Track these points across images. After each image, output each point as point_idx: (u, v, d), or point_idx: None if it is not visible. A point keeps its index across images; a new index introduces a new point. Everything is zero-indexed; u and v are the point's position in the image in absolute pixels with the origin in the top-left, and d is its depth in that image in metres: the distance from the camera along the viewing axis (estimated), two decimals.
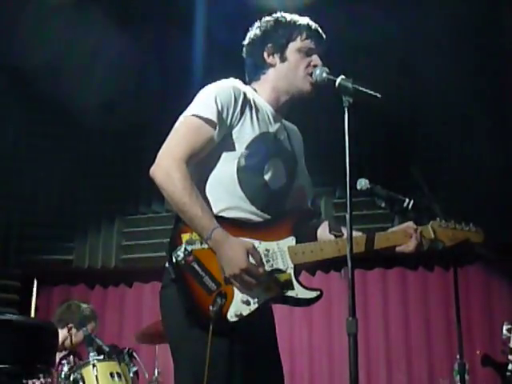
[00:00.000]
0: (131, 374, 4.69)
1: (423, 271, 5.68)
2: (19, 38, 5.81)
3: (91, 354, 4.65)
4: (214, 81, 2.71)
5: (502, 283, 5.59)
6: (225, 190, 2.61)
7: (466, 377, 4.17)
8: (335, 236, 2.73)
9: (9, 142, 6.58)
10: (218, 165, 2.63)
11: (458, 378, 4.40)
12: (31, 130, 6.67)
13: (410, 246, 2.71)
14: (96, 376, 4.49)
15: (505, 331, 3.91)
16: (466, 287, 5.44)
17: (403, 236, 2.72)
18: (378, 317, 5.79)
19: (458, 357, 3.97)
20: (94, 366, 4.54)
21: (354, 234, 2.47)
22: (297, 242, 2.61)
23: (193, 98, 2.67)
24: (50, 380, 4.80)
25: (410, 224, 2.75)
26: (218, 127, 2.58)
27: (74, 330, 5.18)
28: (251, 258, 2.45)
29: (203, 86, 2.69)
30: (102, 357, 4.66)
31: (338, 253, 2.63)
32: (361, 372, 2.36)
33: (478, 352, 5.21)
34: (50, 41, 5.80)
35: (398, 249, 2.72)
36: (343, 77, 2.58)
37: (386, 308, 5.82)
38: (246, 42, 2.85)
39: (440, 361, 5.54)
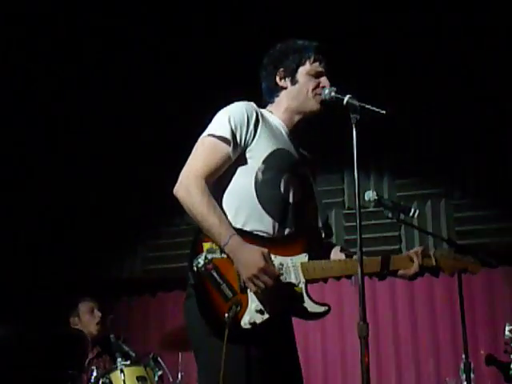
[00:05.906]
0: (156, 378, 4.70)
1: (429, 277, 5.60)
2: None
3: (118, 359, 4.65)
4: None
5: (503, 288, 5.53)
6: (242, 204, 2.60)
7: (472, 375, 4.13)
8: (346, 256, 2.76)
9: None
10: (234, 179, 2.64)
11: (464, 376, 4.34)
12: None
13: (410, 272, 2.74)
14: (123, 380, 4.51)
15: (507, 332, 3.86)
16: (470, 292, 5.37)
17: (407, 262, 2.74)
18: (387, 320, 5.73)
19: (463, 357, 3.93)
20: (121, 371, 4.55)
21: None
22: (309, 259, 2.61)
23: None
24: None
25: (418, 250, 2.77)
26: (232, 145, 2.59)
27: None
28: None
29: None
30: (128, 362, 4.66)
31: (346, 272, 2.66)
32: (372, 372, 2.34)
33: (482, 352, 5.14)
34: None
35: (399, 273, 2.76)
36: (350, 96, 2.60)
37: (394, 312, 5.76)
38: (260, 68, 2.87)
39: (447, 361, 5.48)
